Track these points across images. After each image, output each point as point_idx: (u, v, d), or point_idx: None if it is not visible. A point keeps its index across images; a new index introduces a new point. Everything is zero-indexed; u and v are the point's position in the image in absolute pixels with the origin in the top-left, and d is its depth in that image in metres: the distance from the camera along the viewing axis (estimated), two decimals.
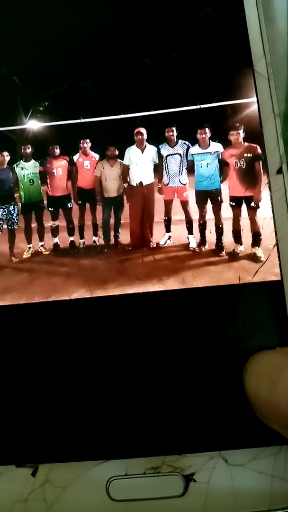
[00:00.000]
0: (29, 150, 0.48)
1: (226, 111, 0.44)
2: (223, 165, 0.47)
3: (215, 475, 0.38)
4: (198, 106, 0.44)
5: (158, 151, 0.48)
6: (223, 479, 0.38)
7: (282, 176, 0.42)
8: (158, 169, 0.49)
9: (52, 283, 0.44)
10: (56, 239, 0.49)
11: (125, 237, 0.48)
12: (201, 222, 0.47)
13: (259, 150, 0.43)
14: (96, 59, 0.45)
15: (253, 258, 0.43)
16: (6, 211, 0.48)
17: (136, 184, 0.49)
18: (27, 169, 0.50)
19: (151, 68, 0.45)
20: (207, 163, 0.48)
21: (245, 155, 0.45)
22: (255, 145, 0.44)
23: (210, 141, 0.47)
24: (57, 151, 0.49)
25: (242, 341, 0.40)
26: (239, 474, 0.38)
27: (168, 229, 0.48)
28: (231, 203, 0.47)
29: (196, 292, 0.41)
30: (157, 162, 0.49)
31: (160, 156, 0.49)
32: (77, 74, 0.45)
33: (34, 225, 0.49)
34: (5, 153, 0.48)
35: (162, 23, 0.45)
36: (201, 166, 0.49)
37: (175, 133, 0.47)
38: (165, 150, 0.48)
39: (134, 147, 0.47)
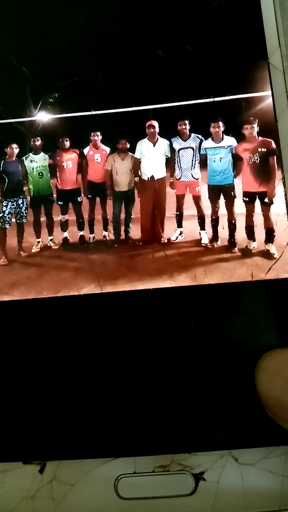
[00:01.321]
0: (38, 143, 0.48)
1: (240, 105, 0.44)
2: (236, 160, 0.47)
3: (225, 474, 0.38)
4: (211, 99, 0.44)
5: (170, 145, 0.48)
6: (233, 478, 0.38)
7: None
8: (170, 163, 0.49)
9: (61, 278, 0.43)
10: (65, 234, 0.49)
11: (135, 232, 0.47)
12: (214, 217, 0.47)
13: (273, 145, 0.43)
14: (107, 50, 0.45)
15: (266, 255, 0.43)
16: (15, 204, 0.48)
17: (148, 178, 0.49)
18: (36, 161, 0.50)
19: (164, 60, 0.44)
20: (220, 158, 0.48)
21: (259, 149, 0.45)
22: (269, 139, 0.43)
23: (224, 135, 0.46)
24: (67, 143, 0.49)
25: (254, 339, 0.39)
26: (249, 473, 0.38)
27: (179, 225, 0.48)
28: (245, 198, 0.46)
29: (208, 289, 0.41)
30: (169, 155, 0.49)
31: (172, 149, 0.49)
32: (88, 65, 0.45)
33: (43, 219, 0.49)
34: (14, 146, 0.47)
35: (176, 14, 0.44)
36: (214, 161, 0.48)
37: (187, 127, 0.47)
38: (177, 143, 0.48)
39: (145, 140, 0.47)
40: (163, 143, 0.48)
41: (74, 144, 0.49)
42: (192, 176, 0.50)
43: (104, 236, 0.47)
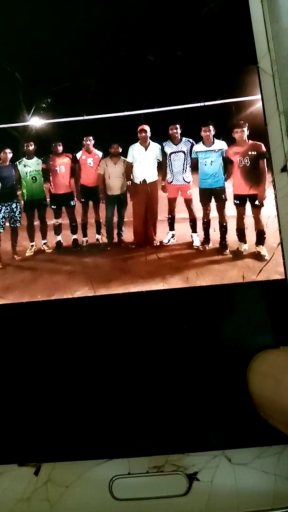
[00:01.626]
0: (31, 147, 0.48)
1: (231, 109, 0.44)
2: (227, 163, 0.47)
3: (218, 474, 0.38)
4: (202, 104, 0.44)
5: (162, 149, 0.48)
6: (227, 478, 0.38)
7: (287, 174, 0.42)
8: (162, 166, 0.49)
9: (55, 281, 0.43)
10: (59, 237, 0.49)
11: (128, 235, 0.48)
12: (205, 220, 0.47)
13: (263, 148, 0.43)
14: (99, 55, 0.45)
15: (257, 256, 0.43)
16: (9, 208, 0.48)
17: (140, 182, 0.49)
18: (30, 166, 0.50)
19: (155, 65, 0.44)
20: (211, 161, 0.48)
21: (250, 153, 0.45)
22: (259, 143, 0.44)
23: (214, 138, 0.47)
24: (60, 148, 0.49)
25: (246, 340, 0.39)
26: (243, 473, 0.38)
27: (171, 227, 0.48)
28: (235, 201, 0.47)
29: (200, 290, 0.41)
30: (160, 159, 0.49)
31: (163, 153, 0.49)
32: (80, 71, 0.45)
33: (36, 223, 0.49)
34: (8, 150, 0.48)
35: (166, 20, 0.45)
36: (205, 164, 0.48)
37: (179, 131, 0.47)
38: (169, 147, 0.48)
39: (137, 144, 0.47)
40: (154, 147, 0.48)
41: (67, 148, 0.49)
42: (184, 179, 0.50)
43: (97, 240, 0.47)
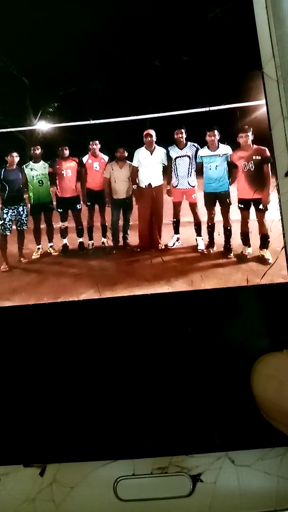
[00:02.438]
0: (38, 151, 0.48)
1: (235, 114, 0.44)
2: (231, 168, 0.48)
3: (221, 476, 0.38)
4: (207, 108, 0.44)
5: (167, 153, 0.49)
6: (230, 479, 0.38)
7: None
8: (167, 171, 0.50)
9: (61, 284, 0.44)
10: (65, 240, 0.49)
11: (133, 238, 0.48)
12: (210, 224, 0.48)
13: (267, 153, 0.43)
14: (105, 60, 0.45)
15: (261, 260, 0.43)
16: (16, 211, 0.49)
17: (145, 185, 0.50)
18: (36, 170, 0.50)
19: (161, 70, 0.45)
20: (216, 165, 0.48)
21: (254, 157, 0.45)
22: (263, 147, 0.44)
23: (219, 143, 0.47)
24: (66, 152, 0.49)
25: (250, 343, 0.40)
26: (246, 474, 0.38)
27: (176, 231, 0.49)
28: (240, 205, 0.47)
29: (204, 293, 0.41)
30: (166, 164, 0.49)
31: (169, 158, 0.49)
32: (86, 75, 0.45)
33: (43, 226, 0.50)
34: (15, 154, 0.48)
35: (172, 25, 0.45)
36: (210, 168, 0.49)
37: (184, 135, 0.47)
38: (174, 152, 0.49)
39: (143, 148, 0.48)
40: (160, 151, 0.48)
41: (73, 152, 0.49)
42: (189, 183, 0.50)
43: (103, 243, 0.48)
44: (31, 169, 0.50)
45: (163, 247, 0.47)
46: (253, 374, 0.37)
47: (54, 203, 0.50)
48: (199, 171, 0.49)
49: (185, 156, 0.49)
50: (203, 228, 0.47)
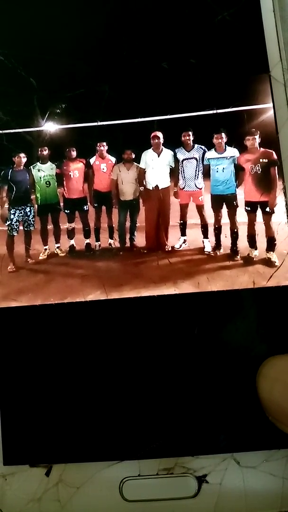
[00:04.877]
0: (45, 152, 0.49)
1: (242, 116, 0.44)
2: (238, 170, 0.48)
3: (227, 477, 0.38)
4: (214, 111, 0.44)
5: (175, 155, 0.49)
6: (235, 480, 0.38)
7: None
8: (174, 173, 0.50)
9: (67, 284, 0.44)
10: (72, 241, 0.49)
11: (140, 240, 0.48)
12: (216, 226, 0.48)
13: (274, 156, 0.43)
14: (113, 62, 0.45)
15: (268, 262, 0.44)
16: (23, 212, 0.49)
17: (152, 187, 0.50)
18: (44, 171, 0.50)
19: (168, 73, 0.45)
20: (223, 168, 0.48)
21: (261, 160, 0.45)
22: (271, 150, 0.44)
23: (226, 146, 0.47)
24: (74, 153, 0.49)
25: (256, 345, 0.40)
26: (251, 476, 0.38)
27: (183, 233, 0.49)
28: (246, 208, 0.47)
29: (211, 295, 0.42)
30: (173, 166, 0.50)
31: (176, 160, 0.49)
32: (94, 77, 0.45)
33: (50, 226, 0.50)
34: (22, 155, 0.48)
35: (180, 28, 0.45)
36: (217, 171, 0.49)
37: (191, 138, 0.48)
38: (181, 154, 0.49)
39: (150, 150, 0.48)
40: (167, 153, 0.48)
41: (81, 154, 0.49)
42: (196, 186, 0.50)
43: (110, 244, 0.48)
44: (39, 170, 0.50)
45: (169, 248, 0.47)
46: (259, 376, 0.37)
47: (61, 204, 0.51)
48: (206, 174, 0.50)
49: (192, 158, 0.49)
50: (210, 230, 0.47)
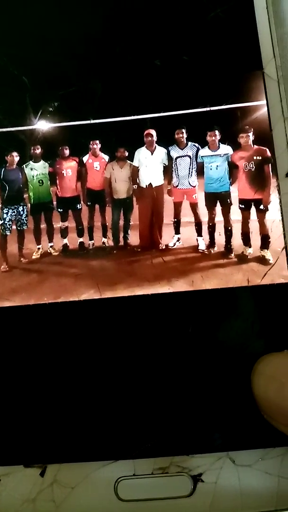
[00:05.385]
0: (38, 151, 0.48)
1: (236, 114, 0.44)
2: (232, 168, 0.48)
3: (222, 476, 0.38)
4: (208, 108, 0.44)
5: (168, 153, 0.49)
6: (231, 479, 0.38)
7: None
8: (168, 171, 0.50)
9: (61, 284, 0.44)
10: (65, 240, 0.49)
11: (134, 238, 0.48)
12: (210, 224, 0.48)
13: (268, 153, 0.43)
14: (106, 60, 0.45)
15: (262, 260, 0.43)
16: (16, 211, 0.49)
17: (146, 185, 0.50)
18: (37, 169, 0.50)
19: (161, 70, 0.45)
20: (217, 166, 0.48)
21: (255, 158, 0.45)
22: (264, 148, 0.44)
23: (220, 143, 0.47)
24: (67, 152, 0.49)
25: (250, 343, 0.40)
26: (246, 474, 0.38)
27: (177, 231, 0.49)
28: (240, 205, 0.47)
29: (205, 294, 0.41)
30: (166, 164, 0.50)
31: (169, 158, 0.49)
32: (86, 75, 0.45)
33: (43, 225, 0.50)
34: (15, 154, 0.48)
35: (172, 25, 0.45)
36: (211, 169, 0.49)
37: (184, 135, 0.47)
38: (174, 152, 0.49)
39: (143, 148, 0.48)
40: (160, 151, 0.48)
41: (74, 152, 0.49)
42: (189, 183, 0.50)
43: (103, 243, 0.48)
44: (31, 169, 0.50)
45: (163, 247, 0.47)
46: (253, 374, 0.37)
47: (54, 203, 0.50)
48: (200, 171, 0.49)
49: (185, 156, 0.49)
50: (204, 228, 0.47)
